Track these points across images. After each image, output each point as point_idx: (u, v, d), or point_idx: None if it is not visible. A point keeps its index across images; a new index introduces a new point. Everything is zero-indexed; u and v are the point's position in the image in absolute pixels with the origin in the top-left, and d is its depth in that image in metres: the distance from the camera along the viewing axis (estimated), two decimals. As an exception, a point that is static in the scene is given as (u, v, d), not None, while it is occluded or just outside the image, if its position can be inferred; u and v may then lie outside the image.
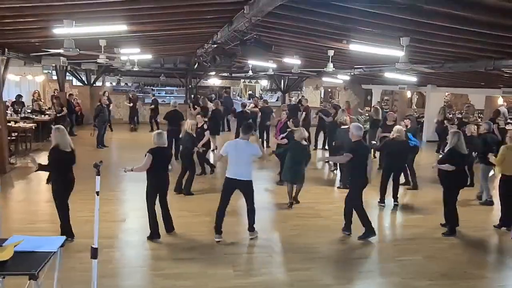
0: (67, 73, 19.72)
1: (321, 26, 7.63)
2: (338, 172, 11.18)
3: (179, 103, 22.75)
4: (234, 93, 27.38)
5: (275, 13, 6.73)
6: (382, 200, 8.79)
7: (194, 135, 9.22)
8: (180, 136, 10.24)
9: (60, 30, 7.15)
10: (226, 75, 24.04)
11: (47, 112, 16.12)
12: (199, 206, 8.30)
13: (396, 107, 22.11)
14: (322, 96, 26.38)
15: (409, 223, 7.89)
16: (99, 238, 6.23)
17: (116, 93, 21.93)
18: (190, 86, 22.64)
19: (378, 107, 13.91)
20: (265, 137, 15.03)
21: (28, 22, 7.95)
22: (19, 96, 16.24)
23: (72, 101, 18.17)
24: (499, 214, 7.67)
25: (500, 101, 18.32)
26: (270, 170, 11.26)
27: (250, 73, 18.39)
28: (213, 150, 13.00)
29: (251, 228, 6.74)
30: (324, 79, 21.45)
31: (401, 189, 9.23)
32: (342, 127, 9.95)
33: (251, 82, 28.01)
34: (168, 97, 24.72)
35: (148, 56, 15.39)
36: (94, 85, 21.37)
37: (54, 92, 18.48)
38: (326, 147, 14.24)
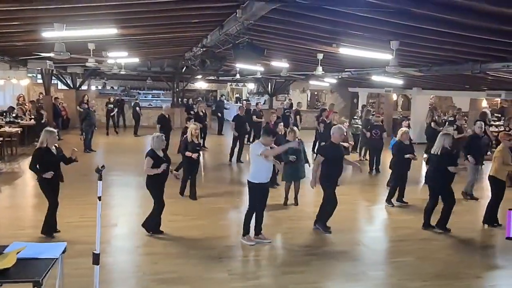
0: (53, 77, 19.49)
1: (312, 30, 7.71)
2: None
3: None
4: (221, 96, 27.35)
5: (267, 17, 6.77)
6: (390, 201, 9.05)
7: (190, 139, 8.81)
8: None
9: (50, 33, 7.08)
10: (213, 78, 24.03)
11: (31, 116, 15.89)
12: (193, 210, 8.28)
13: (382, 109, 22.36)
14: (309, 99, 26.53)
15: (400, 225, 7.97)
16: (91, 243, 6.19)
17: (102, 96, 21.71)
18: (177, 89, 22.57)
19: (370, 109, 14.18)
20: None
21: (16, 26, 7.87)
22: (12, 108, 15.80)
23: (58, 105, 17.95)
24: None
25: (484, 103, 18.66)
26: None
27: (238, 76, 18.40)
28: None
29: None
30: (311, 82, 21.59)
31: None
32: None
33: (238, 86, 28.01)
34: (155, 101, 24.62)
35: (136, 60, 15.30)
36: (80, 88, 21.16)
37: (39, 96, 18.27)
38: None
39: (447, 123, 15.01)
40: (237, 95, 28.03)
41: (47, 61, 13.38)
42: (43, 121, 14.50)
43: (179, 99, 22.91)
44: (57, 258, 3.78)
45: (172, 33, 10.23)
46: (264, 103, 23.77)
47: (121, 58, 13.46)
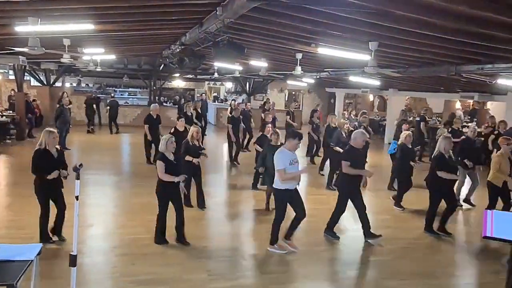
0: (25, 73, 18.99)
1: (292, 30, 7.70)
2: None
3: (143, 105, 22.58)
4: (198, 95, 27.16)
5: (248, 15, 6.73)
6: (400, 205, 8.89)
7: (191, 143, 8.09)
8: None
9: (24, 27, 6.87)
10: (191, 77, 23.86)
11: (4, 114, 15.46)
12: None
13: (360, 110, 22.60)
14: (287, 99, 26.61)
15: (379, 224, 8.03)
16: (67, 244, 6.05)
17: (77, 94, 21.28)
18: (154, 87, 22.31)
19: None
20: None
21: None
22: None
23: (31, 102, 17.50)
24: (464, 215, 8.00)
25: (458, 105, 19.09)
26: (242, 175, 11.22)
27: (216, 75, 18.31)
28: None
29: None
30: (289, 82, 21.66)
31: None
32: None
33: (216, 84, 27.89)
34: (131, 99, 24.27)
35: (112, 56, 15.05)
36: (54, 85, 20.68)
37: (11, 93, 17.77)
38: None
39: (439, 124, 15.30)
40: (215, 94, 27.90)
41: (20, 56, 13.01)
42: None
43: (156, 97, 22.67)
44: (32, 260, 3.66)
45: (150, 30, 10.08)
46: (242, 102, 23.67)
47: (97, 55, 13.23)
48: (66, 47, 9.52)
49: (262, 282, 5.47)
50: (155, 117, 12.21)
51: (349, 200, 6.86)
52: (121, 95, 21.75)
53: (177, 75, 23.02)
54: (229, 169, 12.56)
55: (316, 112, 15.12)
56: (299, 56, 10.21)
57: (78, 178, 3.71)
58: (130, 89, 25.52)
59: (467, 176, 9.08)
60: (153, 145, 11.92)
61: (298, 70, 10.79)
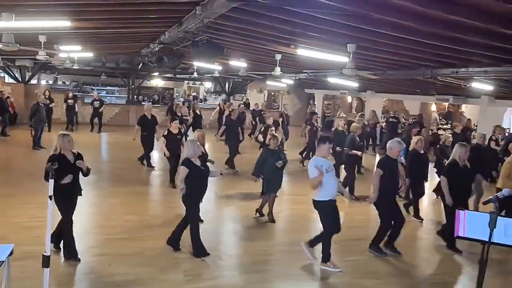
0: (-1, 70, 18.61)
1: (271, 30, 7.72)
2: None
3: (121, 104, 22.32)
4: (177, 94, 26.98)
5: (227, 15, 6.73)
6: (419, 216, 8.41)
7: (204, 151, 7.38)
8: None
9: (-3, 23, 6.70)
10: (170, 76, 23.69)
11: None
12: (149, 210, 8.11)
13: (338, 111, 22.79)
14: (266, 99, 26.66)
15: (353, 224, 8.13)
16: (40, 244, 5.93)
17: (53, 91, 20.86)
18: (132, 86, 22.08)
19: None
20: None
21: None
22: None
23: (5, 99, 17.10)
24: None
25: (433, 107, 19.46)
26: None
27: (195, 74, 18.23)
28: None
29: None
30: (268, 82, 21.71)
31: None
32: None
33: (195, 84, 27.75)
34: (109, 97, 23.95)
35: (89, 54, 14.84)
36: (29, 83, 20.26)
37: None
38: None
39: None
40: (194, 94, 27.76)
41: (-7, 53, 12.72)
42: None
43: (135, 96, 22.45)
44: (3, 261, 3.58)
45: (129, 28, 9.96)
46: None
47: (74, 52, 13.01)
48: (42, 43, 9.34)
49: (239, 282, 5.48)
50: (149, 117, 11.55)
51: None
52: (99, 93, 21.37)
53: (156, 74, 22.82)
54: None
55: (316, 115, 14.87)
56: (278, 57, 10.24)
57: (52, 177, 3.64)
58: (108, 88, 25.16)
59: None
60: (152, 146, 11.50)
61: (278, 71, 10.82)
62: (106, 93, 24.43)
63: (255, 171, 8.04)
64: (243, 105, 18.79)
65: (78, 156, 5.68)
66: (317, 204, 5.83)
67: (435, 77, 9.55)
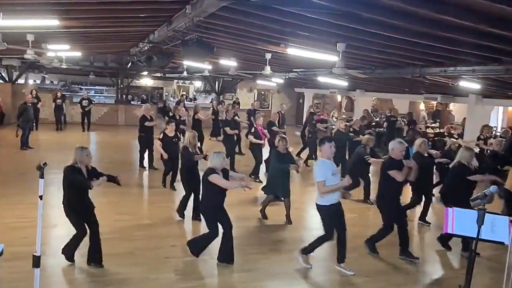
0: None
1: (261, 29, 7.72)
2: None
3: (109, 103, 22.16)
4: (166, 94, 26.87)
5: (217, 14, 6.71)
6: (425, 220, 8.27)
7: (191, 150, 7.66)
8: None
9: (-16, 22, 6.62)
10: (159, 75, 23.58)
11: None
12: (139, 210, 8.07)
13: (327, 110, 22.92)
14: (256, 98, 26.68)
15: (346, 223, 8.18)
16: (28, 245, 5.89)
17: (41, 91, 20.65)
18: (121, 85, 21.95)
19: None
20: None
21: None
22: None
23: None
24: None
25: (422, 106, 19.64)
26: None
27: (185, 74, 18.16)
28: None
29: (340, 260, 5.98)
30: (258, 81, 21.71)
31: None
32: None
33: (185, 83, 27.65)
34: (97, 97, 23.79)
35: (78, 53, 14.71)
36: (16, 82, 20.05)
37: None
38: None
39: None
40: (183, 93, 27.67)
41: (-20, 52, 12.55)
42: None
43: (123, 96, 22.31)
44: (-8, 262, 3.54)
45: (118, 27, 9.90)
46: (211, 102, 23.59)
47: (62, 51, 12.89)
48: (29, 42, 9.24)
49: (230, 281, 5.49)
50: (149, 118, 11.40)
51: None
52: (87, 93, 21.23)
53: (145, 73, 22.70)
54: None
55: (315, 115, 14.72)
56: (268, 56, 10.24)
57: (42, 177, 3.62)
58: (96, 87, 24.96)
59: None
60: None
61: (267, 70, 10.83)
62: (94, 93, 24.24)
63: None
64: (237, 105, 18.67)
65: (93, 170, 5.56)
66: (319, 209, 5.78)
67: (424, 76, 9.62)
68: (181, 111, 13.80)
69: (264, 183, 8.86)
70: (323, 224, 5.83)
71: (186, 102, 20.98)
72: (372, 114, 20.02)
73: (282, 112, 15.85)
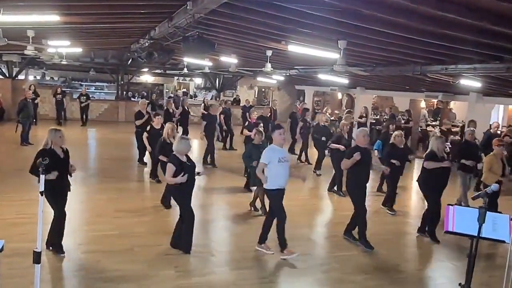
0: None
1: (262, 26, 7.71)
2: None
3: (110, 100, 22.14)
4: (167, 90, 26.84)
5: (218, 10, 6.70)
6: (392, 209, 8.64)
7: (168, 141, 7.76)
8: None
9: (-16, 17, 6.59)
10: (160, 72, 23.55)
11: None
12: (138, 206, 8.05)
13: (325, 107, 22.87)
14: (256, 95, 26.66)
15: (340, 220, 8.15)
16: (28, 241, 5.89)
17: (41, 87, 20.63)
18: (121, 82, 21.92)
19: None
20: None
21: None
22: None
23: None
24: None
25: (423, 104, 19.59)
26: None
27: (185, 70, 18.14)
28: None
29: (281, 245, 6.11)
30: (259, 78, 21.69)
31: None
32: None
33: (185, 80, 27.61)
34: (98, 93, 23.76)
35: (78, 50, 14.69)
36: (17, 78, 20.02)
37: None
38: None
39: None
40: (184, 90, 27.64)
41: (-20, 47, 12.53)
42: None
43: (124, 92, 22.29)
44: (-8, 258, 3.53)
45: (118, 23, 9.87)
46: (211, 99, 23.58)
47: (62, 47, 12.86)
48: (30, 38, 9.21)
49: (231, 278, 5.47)
50: (145, 113, 11.40)
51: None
52: (88, 89, 21.22)
53: (146, 69, 22.67)
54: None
55: (308, 111, 14.77)
56: (269, 53, 10.22)
57: (42, 173, 3.61)
58: (97, 83, 24.94)
59: (468, 180, 8.80)
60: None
61: (268, 67, 10.79)
62: (95, 89, 24.24)
63: (246, 164, 8.30)
64: (229, 102, 18.75)
65: (67, 153, 5.70)
66: (268, 194, 6.16)
67: (425, 73, 9.60)
68: (173, 105, 14.04)
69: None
70: (273, 207, 6.09)
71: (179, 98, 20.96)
72: (373, 112, 20.03)
73: (275, 108, 15.94)
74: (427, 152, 7.30)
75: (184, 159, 5.90)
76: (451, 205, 3.84)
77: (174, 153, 5.91)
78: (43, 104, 19.52)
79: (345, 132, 9.98)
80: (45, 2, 6.93)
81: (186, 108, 15.04)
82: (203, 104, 18.02)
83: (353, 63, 10.23)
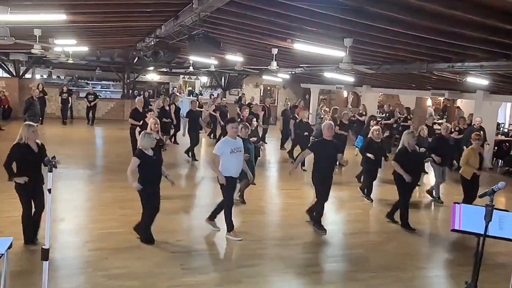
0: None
1: (268, 24, 7.70)
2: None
3: (116, 98, 22.21)
4: (172, 88, 26.86)
5: (224, 9, 6.70)
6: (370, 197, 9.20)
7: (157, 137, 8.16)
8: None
9: (-8, 16, 6.63)
10: (166, 70, 23.59)
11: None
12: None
13: (321, 105, 22.84)
14: (262, 94, 26.64)
15: (350, 218, 8.18)
16: (38, 238, 5.92)
17: (48, 86, 20.75)
18: (127, 80, 21.98)
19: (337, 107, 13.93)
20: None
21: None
22: None
23: (-1, 93, 17.05)
24: (435, 209, 8.20)
25: (429, 102, 19.51)
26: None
27: (191, 69, 18.16)
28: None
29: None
30: (264, 77, 21.68)
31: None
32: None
33: (191, 78, 27.64)
34: (104, 92, 23.85)
35: (85, 48, 14.75)
36: (23, 77, 20.15)
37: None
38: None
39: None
40: (190, 88, 27.68)
41: (-13, 47, 12.62)
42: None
43: (130, 91, 22.36)
44: (3, 254, 3.57)
45: (124, 22, 9.91)
46: (217, 97, 23.55)
47: (69, 46, 12.93)
48: (37, 37, 9.26)
49: (236, 275, 5.49)
50: (141, 111, 11.36)
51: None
52: (94, 88, 21.29)
53: (151, 68, 22.72)
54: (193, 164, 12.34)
55: (297, 108, 14.95)
56: (274, 51, 10.21)
57: (50, 170, 3.63)
58: (103, 82, 25.01)
59: (442, 173, 9.32)
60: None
61: (274, 65, 10.78)
62: (101, 88, 24.30)
63: None
64: (225, 100, 18.77)
65: (43, 147, 5.84)
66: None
67: (431, 71, 9.56)
68: (167, 103, 14.19)
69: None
70: (224, 194, 6.54)
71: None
72: (379, 110, 19.97)
73: (268, 106, 15.98)
74: (399, 147, 7.67)
75: (150, 153, 6.10)
76: (458, 203, 3.83)
77: (139, 147, 6.13)
78: (50, 103, 19.60)
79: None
80: (52, 1, 6.97)
81: (177, 105, 15.13)
82: (197, 103, 18.02)
83: (359, 61, 10.19)
